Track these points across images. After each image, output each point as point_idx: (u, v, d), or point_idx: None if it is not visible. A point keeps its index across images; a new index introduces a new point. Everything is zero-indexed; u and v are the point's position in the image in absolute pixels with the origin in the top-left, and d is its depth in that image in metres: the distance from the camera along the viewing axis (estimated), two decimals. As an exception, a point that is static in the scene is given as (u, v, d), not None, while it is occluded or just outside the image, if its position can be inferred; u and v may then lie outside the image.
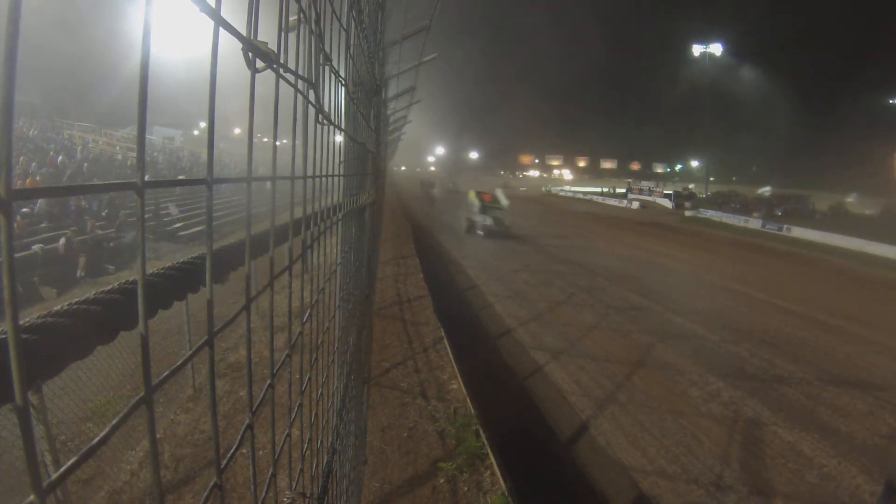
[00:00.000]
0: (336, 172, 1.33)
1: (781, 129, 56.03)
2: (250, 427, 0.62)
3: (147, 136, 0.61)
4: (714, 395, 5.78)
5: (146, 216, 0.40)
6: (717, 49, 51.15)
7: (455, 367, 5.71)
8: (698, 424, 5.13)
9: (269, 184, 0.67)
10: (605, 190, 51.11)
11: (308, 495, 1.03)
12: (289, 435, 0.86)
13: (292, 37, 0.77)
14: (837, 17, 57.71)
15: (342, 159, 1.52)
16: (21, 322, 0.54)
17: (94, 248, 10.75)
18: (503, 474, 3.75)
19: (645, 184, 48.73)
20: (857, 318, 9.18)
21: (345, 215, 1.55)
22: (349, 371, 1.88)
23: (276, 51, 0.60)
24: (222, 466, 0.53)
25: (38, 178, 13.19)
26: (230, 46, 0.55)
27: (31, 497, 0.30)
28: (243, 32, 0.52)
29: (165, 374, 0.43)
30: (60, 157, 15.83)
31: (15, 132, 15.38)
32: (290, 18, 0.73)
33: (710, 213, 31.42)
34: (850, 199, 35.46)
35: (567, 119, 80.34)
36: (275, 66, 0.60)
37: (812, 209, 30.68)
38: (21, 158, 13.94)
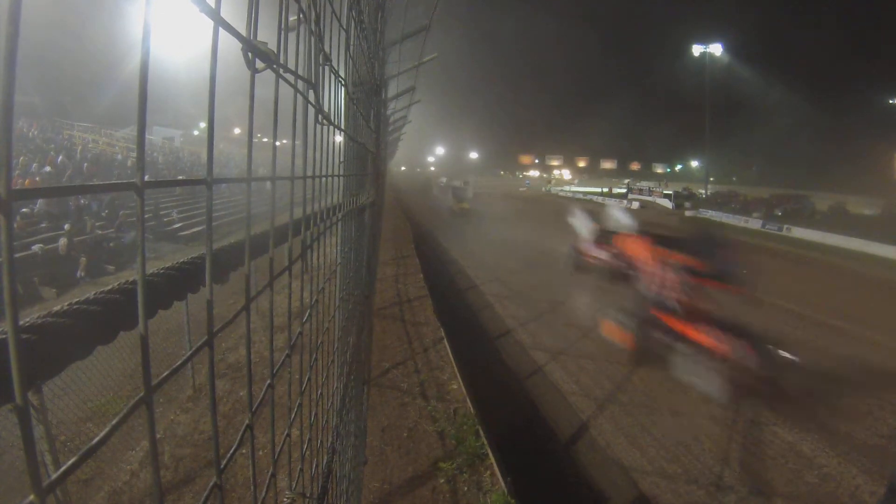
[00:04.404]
0: (336, 172, 1.32)
1: (781, 129, 55.96)
2: (250, 427, 0.62)
3: (147, 136, 0.61)
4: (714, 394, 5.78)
5: (146, 216, 0.40)
6: (716, 49, 51.06)
7: (455, 367, 5.71)
8: (698, 424, 5.13)
9: (268, 184, 0.67)
10: (605, 190, 50.99)
11: (308, 495, 1.03)
12: (288, 435, 0.86)
13: (292, 37, 0.77)
14: (838, 17, 57.80)
15: (342, 159, 1.52)
16: (21, 322, 0.54)
17: (94, 248, 10.76)
18: (503, 474, 3.75)
19: (644, 184, 48.56)
20: (857, 318, 9.16)
21: (345, 215, 1.55)
22: (349, 371, 1.88)
23: (275, 51, 0.60)
24: (222, 466, 0.53)
25: (38, 179, 13.20)
26: (230, 46, 0.55)
27: (31, 497, 0.30)
28: (243, 32, 0.52)
29: (165, 374, 0.43)
30: (60, 157, 15.83)
31: (15, 132, 15.38)
32: (290, 18, 0.73)
33: (711, 213, 31.41)
34: (854, 201, 35.19)
35: (567, 119, 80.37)
36: (275, 66, 0.60)
37: (812, 209, 30.62)
38: (21, 158, 13.94)
